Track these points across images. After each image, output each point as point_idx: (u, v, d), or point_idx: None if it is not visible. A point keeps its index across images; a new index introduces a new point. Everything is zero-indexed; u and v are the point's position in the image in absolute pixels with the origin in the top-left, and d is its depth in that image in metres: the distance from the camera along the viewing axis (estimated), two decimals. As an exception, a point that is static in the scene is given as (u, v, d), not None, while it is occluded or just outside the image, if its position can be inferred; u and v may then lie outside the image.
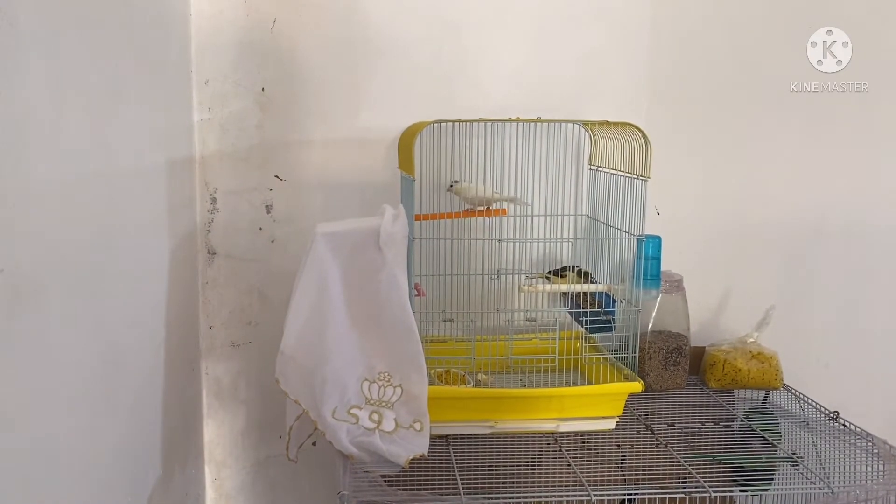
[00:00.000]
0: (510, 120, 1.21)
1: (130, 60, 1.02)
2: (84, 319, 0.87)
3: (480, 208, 1.26)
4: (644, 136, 1.13)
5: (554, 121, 1.27)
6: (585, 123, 1.32)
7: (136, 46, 1.05)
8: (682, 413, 1.24)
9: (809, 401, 1.27)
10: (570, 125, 1.35)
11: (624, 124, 1.17)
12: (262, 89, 1.34)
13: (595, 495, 0.96)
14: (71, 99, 0.83)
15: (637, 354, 1.19)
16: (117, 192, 0.97)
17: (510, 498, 0.96)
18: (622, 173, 1.21)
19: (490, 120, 1.22)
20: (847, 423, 1.18)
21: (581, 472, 1.03)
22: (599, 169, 1.32)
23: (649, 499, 0.97)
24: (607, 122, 1.22)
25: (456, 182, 1.26)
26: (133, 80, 1.03)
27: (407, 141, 1.19)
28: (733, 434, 1.20)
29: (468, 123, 1.26)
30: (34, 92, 0.74)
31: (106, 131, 0.93)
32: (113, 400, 0.96)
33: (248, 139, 1.35)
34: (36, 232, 0.75)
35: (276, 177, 1.37)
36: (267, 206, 1.37)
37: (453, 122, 1.22)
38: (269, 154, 1.36)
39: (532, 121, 1.22)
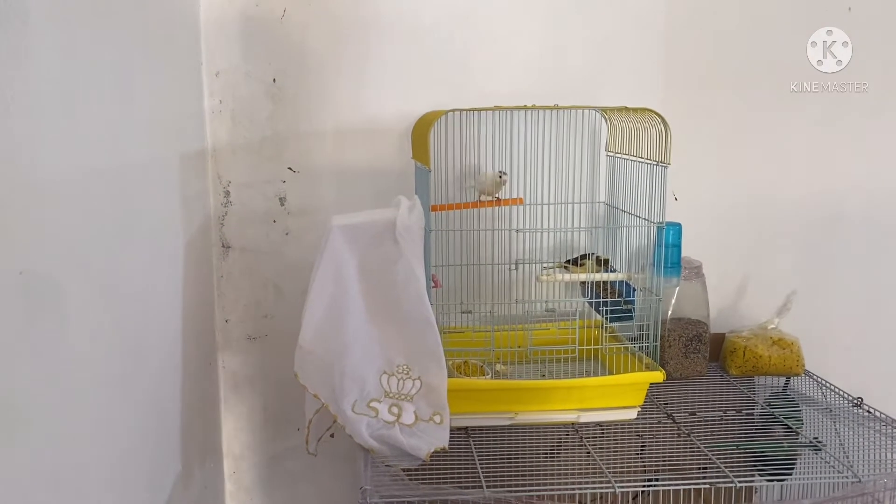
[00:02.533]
0: (526, 107, 1.19)
1: (141, 53, 1.01)
2: (100, 316, 0.86)
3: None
4: (664, 121, 1.11)
5: (571, 107, 1.25)
6: (603, 110, 1.30)
7: (146, 39, 1.04)
8: (702, 401, 1.23)
9: (832, 387, 1.25)
10: (585, 111, 1.33)
11: (643, 110, 1.14)
12: (273, 80, 1.33)
13: (618, 486, 0.95)
14: (82, 93, 0.82)
15: (658, 343, 1.18)
16: (130, 186, 0.97)
17: (532, 490, 0.95)
18: (641, 160, 1.19)
19: (506, 108, 1.20)
20: (871, 410, 1.17)
21: (602, 462, 1.02)
22: (617, 156, 1.30)
23: (673, 489, 0.96)
24: (626, 108, 1.20)
25: (505, 173, 1.24)
26: (144, 73, 1.02)
27: (422, 131, 1.18)
28: (755, 421, 1.19)
29: (482, 112, 1.25)
30: (45, 87, 0.73)
31: (117, 125, 0.92)
32: (131, 396, 0.95)
33: (259, 131, 1.34)
34: (50, 229, 0.74)
35: (289, 168, 1.36)
36: (280, 199, 1.36)
37: (468, 110, 1.20)
38: (281, 145, 1.35)
39: (549, 108, 1.20)
